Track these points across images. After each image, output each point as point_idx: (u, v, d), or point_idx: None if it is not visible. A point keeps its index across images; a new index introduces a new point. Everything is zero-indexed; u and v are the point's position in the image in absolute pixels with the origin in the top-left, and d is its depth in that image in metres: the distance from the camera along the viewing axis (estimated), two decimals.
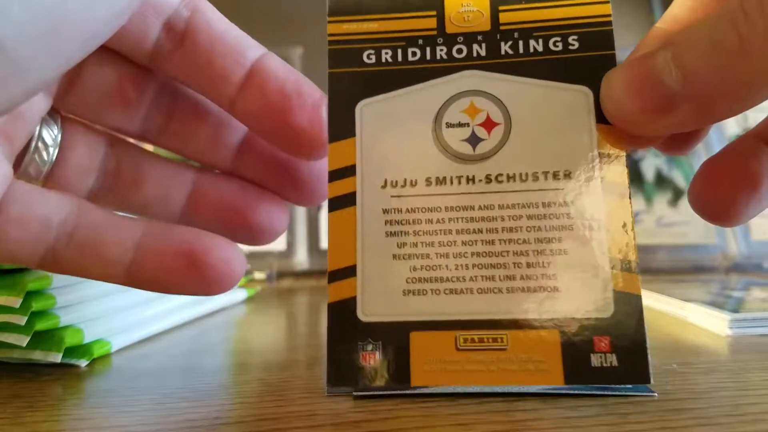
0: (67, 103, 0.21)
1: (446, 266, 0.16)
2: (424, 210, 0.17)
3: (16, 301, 0.24)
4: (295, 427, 0.19)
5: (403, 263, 0.17)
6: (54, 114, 0.21)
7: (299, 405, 0.21)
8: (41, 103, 0.20)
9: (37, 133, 0.20)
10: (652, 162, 0.59)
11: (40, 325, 0.24)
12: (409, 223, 0.17)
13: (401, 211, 0.17)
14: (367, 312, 0.17)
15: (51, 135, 0.20)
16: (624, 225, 0.16)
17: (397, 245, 0.17)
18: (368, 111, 0.18)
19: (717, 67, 0.16)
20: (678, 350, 0.28)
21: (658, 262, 0.54)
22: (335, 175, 0.18)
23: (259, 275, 0.49)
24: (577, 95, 0.17)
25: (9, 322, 0.24)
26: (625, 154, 0.17)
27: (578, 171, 0.16)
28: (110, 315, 0.28)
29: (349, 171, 0.18)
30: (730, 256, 0.54)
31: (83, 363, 0.25)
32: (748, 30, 0.15)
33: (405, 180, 0.17)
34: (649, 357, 0.15)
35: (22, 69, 0.13)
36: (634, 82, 0.17)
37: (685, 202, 0.57)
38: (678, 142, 0.21)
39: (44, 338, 0.25)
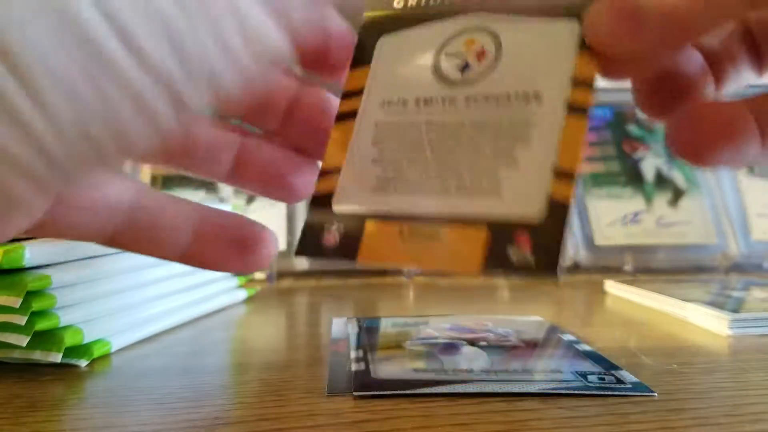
0: None
1: (412, 171, 0.19)
2: (407, 124, 0.19)
3: (16, 301, 0.24)
4: (295, 427, 0.19)
5: (379, 167, 0.19)
6: None
7: (299, 405, 0.21)
8: None
9: None
10: (652, 162, 0.59)
11: (41, 325, 0.24)
12: (392, 135, 0.19)
13: (389, 124, 0.20)
14: (339, 204, 0.19)
15: None
16: (575, 142, 0.17)
17: (378, 152, 0.19)
18: (386, 43, 0.21)
19: None
20: (678, 350, 0.28)
21: (658, 262, 0.54)
22: (347, 95, 0.21)
23: (259, 275, 0.49)
24: (564, 28, 0.18)
25: (9, 322, 0.24)
26: (594, 77, 0.18)
27: (548, 93, 0.18)
28: (110, 315, 0.28)
29: (358, 93, 0.20)
30: (730, 256, 0.54)
31: (83, 363, 0.25)
32: None
33: (399, 99, 0.20)
34: (561, 259, 0.16)
35: (63, 171, 0.14)
36: (615, 4, 0.18)
37: (685, 203, 0.58)
38: (658, 98, 0.21)
39: (44, 338, 0.25)
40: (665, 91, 0.21)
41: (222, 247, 0.21)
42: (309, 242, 0.19)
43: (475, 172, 0.18)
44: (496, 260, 0.17)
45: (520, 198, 0.17)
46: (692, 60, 0.21)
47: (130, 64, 0.13)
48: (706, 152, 0.18)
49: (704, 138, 0.18)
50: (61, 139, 0.13)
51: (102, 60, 0.13)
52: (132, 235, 0.20)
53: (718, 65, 0.21)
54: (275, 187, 0.23)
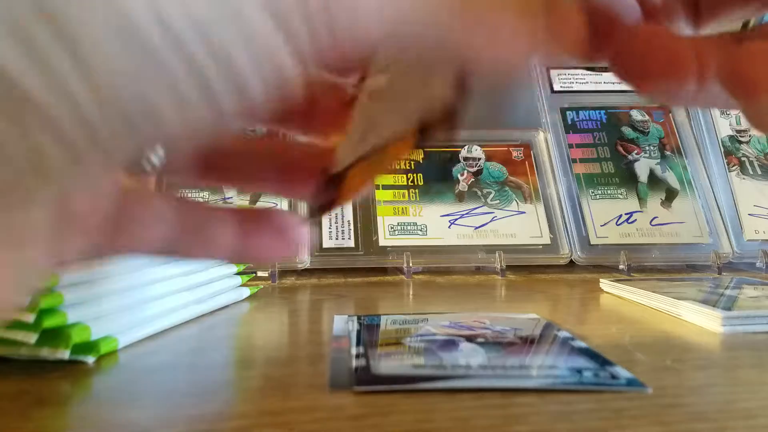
0: None
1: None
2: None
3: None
4: (297, 421, 0.19)
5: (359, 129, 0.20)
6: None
7: (302, 400, 0.21)
8: None
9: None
10: (646, 163, 0.59)
11: (48, 323, 0.24)
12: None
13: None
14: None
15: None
16: None
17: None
18: None
19: None
20: (672, 347, 0.29)
21: (652, 260, 0.54)
22: None
23: (261, 273, 0.49)
24: None
25: (17, 319, 0.24)
26: None
27: None
28: (117, 312, 0.28)
29: None
30: (723, 255, 0.54)
31: (91, 360, 0.25)
32: None
33: None
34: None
35: (103, 147, 0.14)
36: None
37: (678, 203, 0.58)
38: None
39: (52, 335, 0.25)
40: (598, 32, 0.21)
41: (266, 242, 0.22)
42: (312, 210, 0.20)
43: None
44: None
45: None
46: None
47: (168, 51, 0.13)
48: (649, 78, 0.18)
49: (650, 64, 0.18)
50: (103, 110, 0.13)
51: (143, 42, 0.13)
52: (179, 246, 0.21)
53: (652, 17, 0.20)
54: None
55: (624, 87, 0.22)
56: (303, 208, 0.52)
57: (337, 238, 0.54)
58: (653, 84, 0.18)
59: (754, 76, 0.17)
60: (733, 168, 0.59)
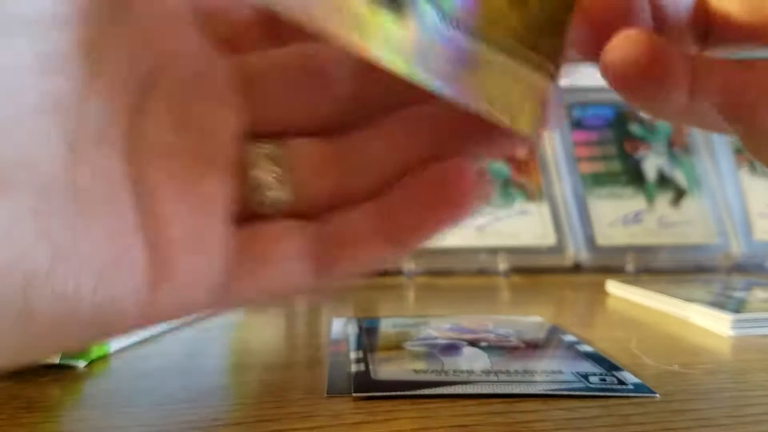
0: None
1: None
2: None
3: None
4: (294, 428, 0.19)
5: None
6: (263, 149, 0.20)
7: (299, 406, 0.21)
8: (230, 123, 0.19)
9: (254, 177, 0.19)
10: (653, 162, 0.59)
11: None
12: None
13: None
14: None
15: (269, 172, 0.19)
16: None
17: None
18: None
19: None
20: (680, 351, 0.28)
21: (660, 262, 0.54)
22: None
23: None
24: None
25: None
26: None
27: None
28: None
29: None
30: (732, 257, 0.54)
31: (81, 364, 0.25)
32: None
33: None
34: None
35: None
36: None
37: (687, 202, 0.57)
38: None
39: None
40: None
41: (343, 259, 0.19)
42: None
43: None
44: None
45: None
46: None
47: None
48: (636, 83, 0.17)
49: (637, 68, 0.17)
50: None
51: None
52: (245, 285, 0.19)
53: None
54: None
55: None
56: None
57: None
58: (637, 87, 0.17)
59: (759, 101, 0.17)
60: (743, 166, 0.59)
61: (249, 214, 0.19)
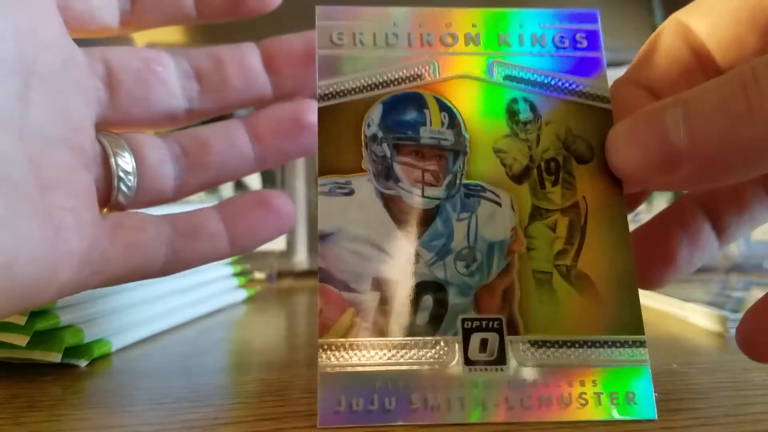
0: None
1: None
2: None
3: None
4: (294, 427, 0.19)
5: None
6: (118, 139, 0.22)
7: (299, 405, 0.21)
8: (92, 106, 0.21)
9: (114, 165, 0.21)
10: None
11: (40, 325, 0.24)
12: None
13: None
14: None
15: (126, 161, 0.22)
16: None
17: None
18: None
19: (723, 129, 0.15)
20: (678, 350, 0.28)
21: None
22: None
23: (259, 275, 0.49)
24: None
25: (9, 321, 0.24)
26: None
27: None
28: (110, 315, 0.28)
29: None
30: (731, 257, 0.54)
31: (83, 363, 0.25)
32: (756, 95, 0.15)
33: None
34: None
35: None
36: (642, 136, 0.17)
37: None
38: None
39: (44, 338, 0.25)
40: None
41: (250, 221, 0.23)
42: None
43: None
44: None
45: None
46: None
47: None
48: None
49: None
50: None
51: None
52: (182, 252, 0.22)
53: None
54: (297, 131, 0.24)
55: None
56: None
57: None
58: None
59: None
60: None
61: (106, 201, 0.22)
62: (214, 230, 0.23)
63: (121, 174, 0.22)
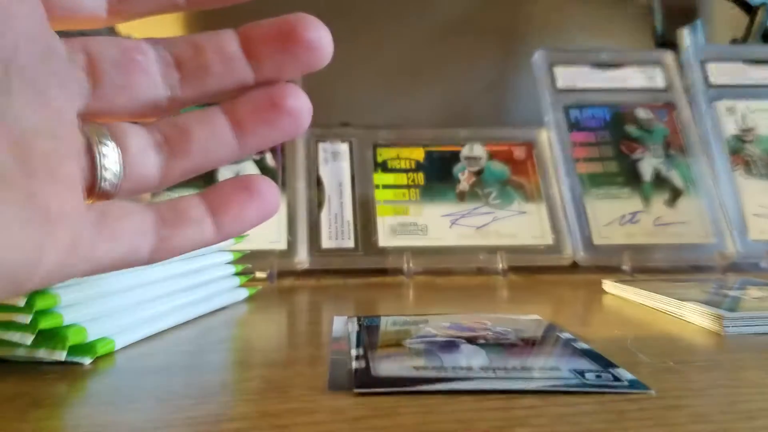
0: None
1: None
2: None
3: (20, 300, 0.24)
4: (296, 423, 0.19)
5: None
6: (101, 128, 0.22)
7: (301, 402, 0.21)
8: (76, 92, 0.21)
9: (98, 154, 0.21)
10: (650, 162, 0.59)
11: (44, 324, 0.24)
12: None
13: None
14: None
15: (110, 150, 0.22)
16: None
17: None
18: None
19: None
20: (675, 348, 0.28)
21: (656, 261, 0.54)
22: None
23: (260, 274, 0.49)
24: None
25: (13, 320, 0.24)
26: None
27: None
28: (114, 314, 0.28)
29: None
30: (727, 256, 0.54)
31: (87, 361, 0.25)
32: None
33: None
34: None
35: None
36: None
37: (683, 202, 0.58)
38: None
39: (48, 336, 0.25)
40: None
41: (233, 196, 0.23)
42: None
43: None
44: None
45: None
46: None
47: None
48: None
49: None
50: None
51: None
52: (168, 239, 0.22)
53: None
54: (277, 114, 0.23)
55: (629, 85, 0.23)
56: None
57: (336, 239, 0.54)
58: None
59: None
60: (738, 167, 0.59)
61: (91, 190, 0.22)
62: (199, 216, 0.23)
63: (105, 163, 0.21)
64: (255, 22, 0.23)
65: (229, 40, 0.23)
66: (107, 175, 0.22)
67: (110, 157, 0.22)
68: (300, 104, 0.23)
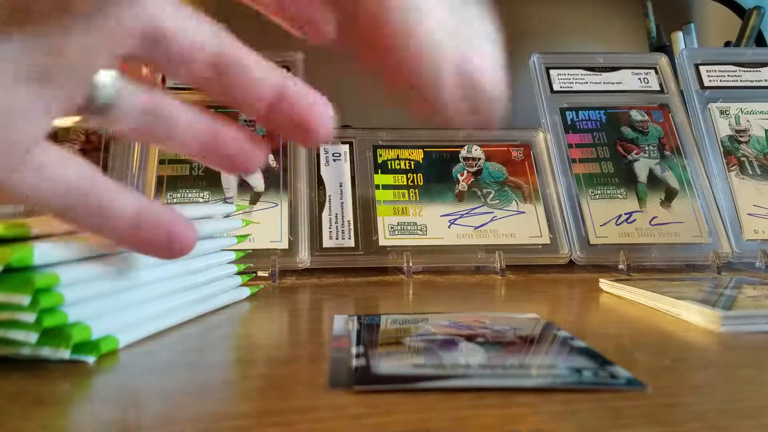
0: None
1: None
2: None
3: (24, 299, 0.24)
4: (297, 420, 0.19)
5: None
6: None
7: (302, 399, 0.21)
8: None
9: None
10: (645, 163, 0.59)
11: (49, 322, 0.24)
12: None
13: None
14: None
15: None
16: None
17: None
18: None
19: None
20: (671, 347, 0.29)
21: (652, 260, 0.54)
22: None
23: (261, 273, 0.49)
24: None
25: (18, 319, 0.24)
26: None
27: None
28: (118, 312, 0.28)
29: None
30: (722, 255, 0.54)
31: (91, 359, 0.26)
32: None
33: None
34: None
35: None
36: None
37: (678, 203, 0.58)
38: None
39: (52, 335, 0.25)
40: None
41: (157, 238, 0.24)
42: None
43: None
44: None
45: None
46: None
47: None
48: None
49: None
50: None
51: None
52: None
53: None
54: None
55: (624, 87, 0.23)
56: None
57: (337, 238, 0.54)
58: None
59: None
60: (733, 168, 0.59)
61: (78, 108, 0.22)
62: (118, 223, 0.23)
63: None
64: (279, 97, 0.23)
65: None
66: (97, 94, 0.22)
67: (105, 78, 0.22)
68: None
